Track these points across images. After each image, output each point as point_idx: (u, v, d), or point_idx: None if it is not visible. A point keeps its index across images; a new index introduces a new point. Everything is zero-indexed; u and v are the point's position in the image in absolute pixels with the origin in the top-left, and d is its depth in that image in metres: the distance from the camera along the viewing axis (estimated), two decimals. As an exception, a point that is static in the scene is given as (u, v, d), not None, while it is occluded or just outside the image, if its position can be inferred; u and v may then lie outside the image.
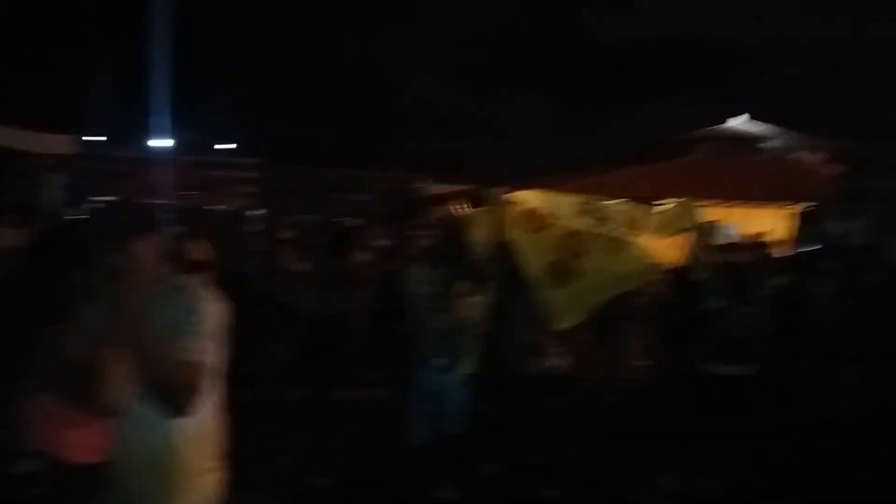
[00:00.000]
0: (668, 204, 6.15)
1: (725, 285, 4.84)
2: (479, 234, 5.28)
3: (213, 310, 2.26)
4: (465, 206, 5.88)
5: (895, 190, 13.46)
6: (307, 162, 47.38)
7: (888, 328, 4.72)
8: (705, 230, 7.36)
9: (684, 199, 6.04)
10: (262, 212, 20.83)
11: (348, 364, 7.53)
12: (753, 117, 24.07)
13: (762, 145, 23.36)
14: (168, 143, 33.20)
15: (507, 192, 5.26)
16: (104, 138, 40.05)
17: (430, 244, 7.03)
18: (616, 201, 5.91)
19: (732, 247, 9.07)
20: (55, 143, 16.36)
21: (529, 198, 5.36)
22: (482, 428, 4.84)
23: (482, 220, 5.43)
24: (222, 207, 20.69)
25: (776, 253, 8.21)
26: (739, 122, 24.37)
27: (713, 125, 24.50)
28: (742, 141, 23.47)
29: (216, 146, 47.32)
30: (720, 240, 9.77)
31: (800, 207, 7.70)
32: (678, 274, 5.35)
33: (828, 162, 21.15)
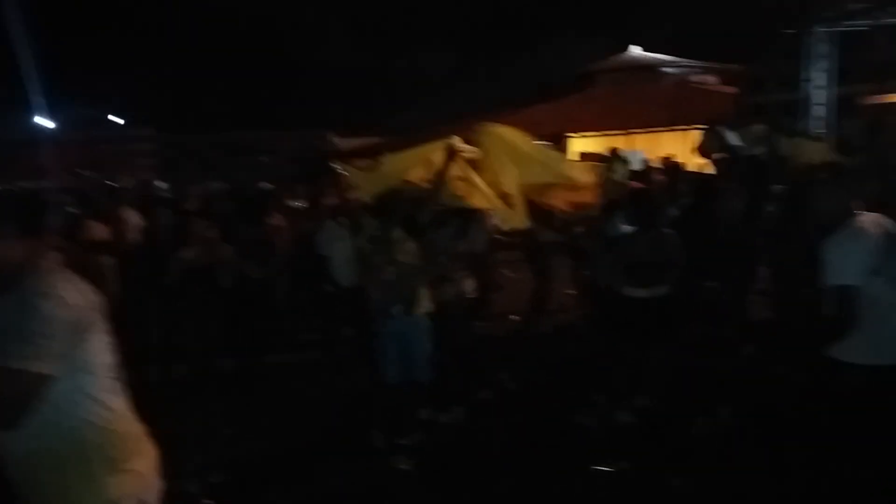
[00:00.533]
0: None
1: (634, 211, 4.96)
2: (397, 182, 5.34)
3: (67, 304, 1.98)
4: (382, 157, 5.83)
5: (788, 104, 14.12)
6: (206, 128, 45.47)
7: (795, 236, 4.94)
8: (618, 159, 7.58)
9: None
10: (166, 184, 19.93)
11: (283, 329, 7.43)
12: (646, 48, 24.66)
13: (661, 71, 24.00)
14: (53, 120, 31.12)
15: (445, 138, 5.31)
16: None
17: (343, 200, 6.96)
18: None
19: (644, 172, 9.36)
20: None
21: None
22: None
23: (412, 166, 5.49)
24: (122, 183, 19.63)
25: (684, 174, 8.47)
26: (635, 52, 24.89)
27: (610, 56, 24.97)
28: (641, 70, 24.07)
29: (108, 119, 44.72)
30: (632, 167, 10.07)
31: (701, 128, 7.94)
32: (598, 203, 5.50)
33: (723, 84, 21.97)
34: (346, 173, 5.81)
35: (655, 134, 18.76)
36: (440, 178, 5.07)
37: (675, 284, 4.73)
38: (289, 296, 7.65)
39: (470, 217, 5.49)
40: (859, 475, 3.29)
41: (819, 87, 13.03)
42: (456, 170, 5.23)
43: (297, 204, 9.16)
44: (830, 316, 3.21)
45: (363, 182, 5.64)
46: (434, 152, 5.40)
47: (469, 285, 5.31)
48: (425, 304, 4.78)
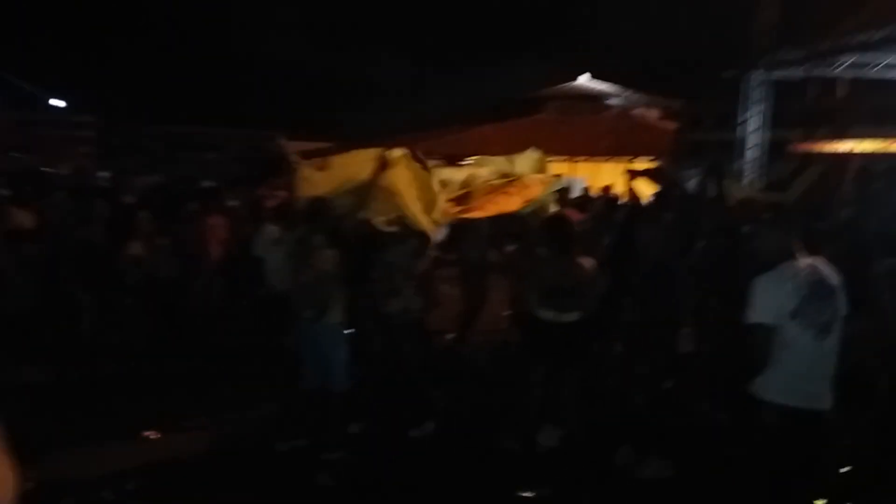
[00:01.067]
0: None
1: (550, 236, 5.03)
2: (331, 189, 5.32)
3: None
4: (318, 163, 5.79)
5: (724, 141, 14.70)
6: (152, 119, 44.08)
7: (726, 273, 5.10)
8: (555, 183, 7.69)
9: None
10: (103, 174, 19.38)
11: (214, 332, 7.29)
12: (595, 76, 25.23)
13: (606, 103, 24.59)
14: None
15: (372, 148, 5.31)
16: None
17: (284, 203, 6.90)
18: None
19: (582, 199, 9.59)
20: None
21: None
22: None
23: (339, 174, 5.44)
24: (55, 169, 18.99)
25: (619, 204, 8.69)
26: (583, 81, 25.44)
27: (559, 83, 25.44)
28: (587, 99, 24.62)
29: (48, 103, 43.10)
30: (572, 193, 10.29)
31: (641, 161, 8.13)
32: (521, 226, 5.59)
33: (664, 118, 22.68)
34: (301, 168, 5.74)
35: (598, 163, 19.19)
36: (368, 188, 5.08)
37: (589, 311, 4.82)
38: (222, 298, 7.53)
39: (424, 236, 5.49)
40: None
41: (753, 129, 13.63)
42: (386, 181, 5.22)
43: (237, 204, 9.05)
44: (747, 352, 3.33)
45: (319, 181, 5.59)
46: (368, 161, 5.38)
47: (416, 302, 5.32)
48: (337, 313, 4.77)
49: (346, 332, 4.84)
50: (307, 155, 7.69)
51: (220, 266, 7.40)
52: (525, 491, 4.34)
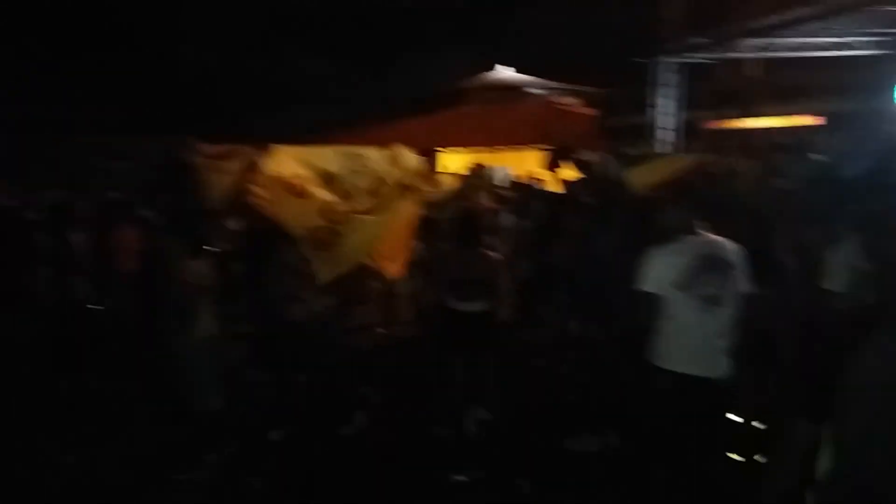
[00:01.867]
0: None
1: (457, 228, 5.04)
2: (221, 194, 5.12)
3: None
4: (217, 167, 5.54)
5: (639, 127, 15.12)
6: (58, 130, 42.20)
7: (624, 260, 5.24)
8: (481, 173, 7.65)
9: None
10: (9, 188, 18.30)
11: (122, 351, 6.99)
12: (516, 67, 25.49)
13: (526, 91, 24.87)
14: None
15: (266, 155, 5.04)
16: None
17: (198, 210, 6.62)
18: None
19: (503, 188, 9.63)
20: None
21: (290, 161, 5.17)
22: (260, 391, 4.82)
23: (228, 180, 5.21)
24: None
25: (537, 192, 8.76)
26: (502, 71, 25.63)
27: (478, 74, 25.56)
28: (508, 89, 24.82)
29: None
30: (496, 181, 10.33)
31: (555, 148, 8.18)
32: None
33: (583, 106, 23.05)
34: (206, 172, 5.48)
35: (522, 151, 19.34)
36: (238, 193, 4.89)
37: (497, 300, 4.85)
38: (138, 312, 7.22)
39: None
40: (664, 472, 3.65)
41: (666, 112, 14.04)
42: (264, 185, 4.99)
43: (150, 214, 8.70)
44: (636, 320, 3.52)
45: (217, 185, 5.33)
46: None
47: (323, 302, 5.21)
48: (206, 327, 4.60)
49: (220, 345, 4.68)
50: (223, 157, 7.43)
51: (134, 279, 7.08)
52: (458, 475, 4.37)
